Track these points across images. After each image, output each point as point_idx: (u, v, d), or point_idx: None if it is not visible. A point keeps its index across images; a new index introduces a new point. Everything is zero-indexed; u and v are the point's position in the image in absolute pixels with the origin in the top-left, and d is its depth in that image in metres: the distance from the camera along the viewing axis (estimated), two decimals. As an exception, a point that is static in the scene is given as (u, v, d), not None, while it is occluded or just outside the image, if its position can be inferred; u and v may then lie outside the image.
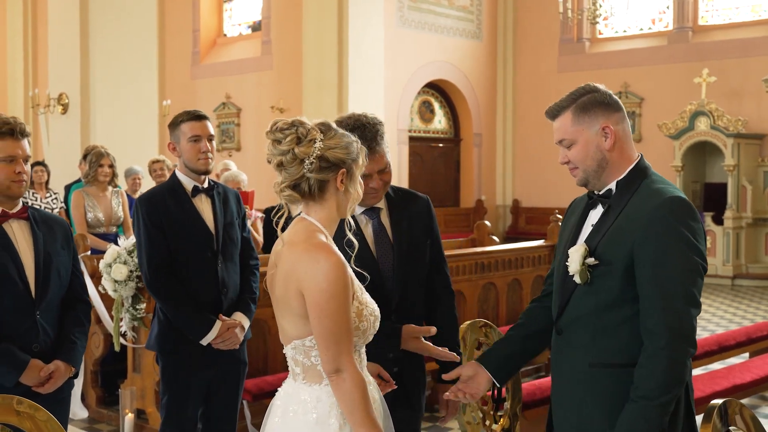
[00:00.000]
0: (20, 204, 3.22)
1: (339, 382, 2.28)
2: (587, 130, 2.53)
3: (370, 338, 2.45)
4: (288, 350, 2.42)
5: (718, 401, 2.22)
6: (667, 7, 16.26)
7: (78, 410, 5.99)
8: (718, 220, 14.13)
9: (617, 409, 2.41)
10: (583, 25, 16.54)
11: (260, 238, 6.75)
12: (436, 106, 17.54)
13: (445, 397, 2.83)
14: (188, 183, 3.97)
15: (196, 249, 3.87)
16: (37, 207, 8.31)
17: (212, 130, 4.06)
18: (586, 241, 2.51)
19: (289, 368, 2.44)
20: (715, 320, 10.43)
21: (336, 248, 2.35)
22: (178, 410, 3.85)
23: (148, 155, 9.39)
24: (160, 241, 3.83)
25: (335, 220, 2.44)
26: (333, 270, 2.26)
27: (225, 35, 19.20)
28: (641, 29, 16.68)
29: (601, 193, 2.57)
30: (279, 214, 2.43)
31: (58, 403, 3.18)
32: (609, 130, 2.52)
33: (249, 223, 6.72)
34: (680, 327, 2.34)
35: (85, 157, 7.01)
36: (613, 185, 2.55)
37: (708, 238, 14.22)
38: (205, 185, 4.01)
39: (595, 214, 2.59)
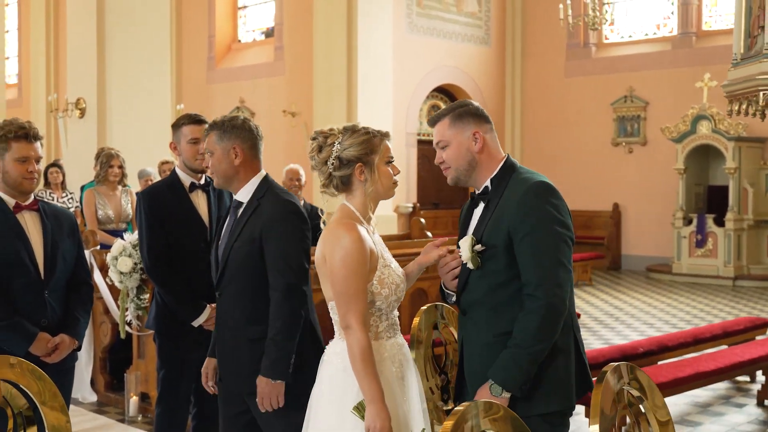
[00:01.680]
0: (32, 197, 3.65)
1: (347, 336, 2.75)
2: (460, 134, 2.98)
3: (396, 304, 2.92)
4: (330, 311, 2.91)
5: (613, 364, 2.58)
6: (672, 13, 16.54)
7: (87, 395, 6.41)
8: (720, 222, 14.38)
9: None
10: (590, 30, 16.83)
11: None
12: (445, 110, 17.87)
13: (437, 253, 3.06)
14: (186, 179, 4.37)
15: (191, 239, 4.26)
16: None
17: None
18: (473, 233, 2.95)
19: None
20: (709, 318, 10.71)
21: (363, 228, 2.83)
22: (172, 385, 4.25)
23: (162, 157, 9.77)
24: (159, 232, 4.24)
25: (368, 206, 2.91)
26: (350, 243, 2.76)
27: (239, 41, 19.66)
28: (646, 34, 16.95)
29: (480, 191, 3.02)
30: (320, 211, 3.03)
31: (63, 373, 3.61)
32: (479, 135, 2.98)
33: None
34: (553, 290, 2.80)
35: (96, 158, 7.43)
36: (488, 183, 2.99)
37: (710, 239, 14.49)
38: (202, 182, 4.41)
39: (479, 211, 3.02)
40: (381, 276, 2.84)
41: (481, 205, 3.01)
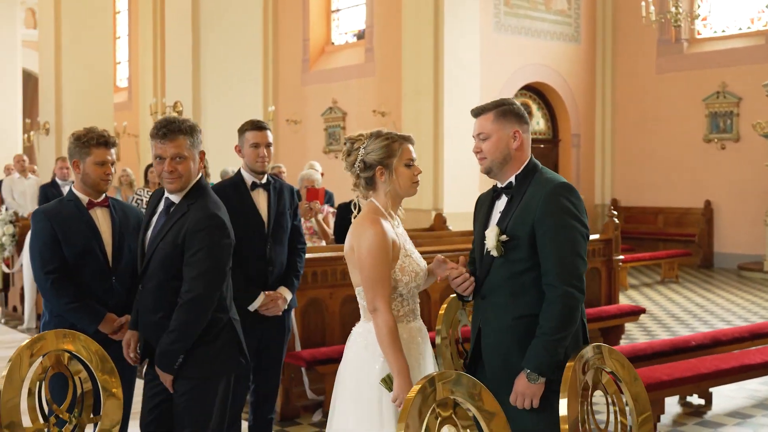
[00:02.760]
0: (103, 195, 4.17)
1: (374, 318, 3.14)
2: (502, 130, 3.23)
3: (416, 290, 3.29)
4: (357, 296, 3.31)
5: (589, 345, 2.84)
6: (766, 6, 16.20)
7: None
8: (813, 220, 14.08)
9: None
10: (673, 26, 16.62)
11: (330, 231, 7.53)
12: (534, 108, 17.98)
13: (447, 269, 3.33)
14: (249, 179, 4.89)
15: (249, 233, 4.71)
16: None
17: (271, 138, 4.93)
18: (498, 224, 3.23)
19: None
20: (791, 317, 10.58)
21: (386, 222, 3.21)
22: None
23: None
24: None
25: (389, 204, 3.29)
26: (374, 235, 3.14)
27: (332, 43, 20.25)
28: (740, 29, 16.65)
29: (504, 185, 3.29)
30: (353, 205, 3.37)
31: (128, 350, 4.10)
32: (518, 135, 3.25)
33: (321, 217, 7.57)
34: (571, 279, 3.07)
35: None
36: (513, 179, 3.26)
37: (802, 236, 14.21)
38: (263, 181, 4.90)
39: (501, 204, 3.30)
40: (402, 264, 3.21)
41: (504, 199, 3.29)
